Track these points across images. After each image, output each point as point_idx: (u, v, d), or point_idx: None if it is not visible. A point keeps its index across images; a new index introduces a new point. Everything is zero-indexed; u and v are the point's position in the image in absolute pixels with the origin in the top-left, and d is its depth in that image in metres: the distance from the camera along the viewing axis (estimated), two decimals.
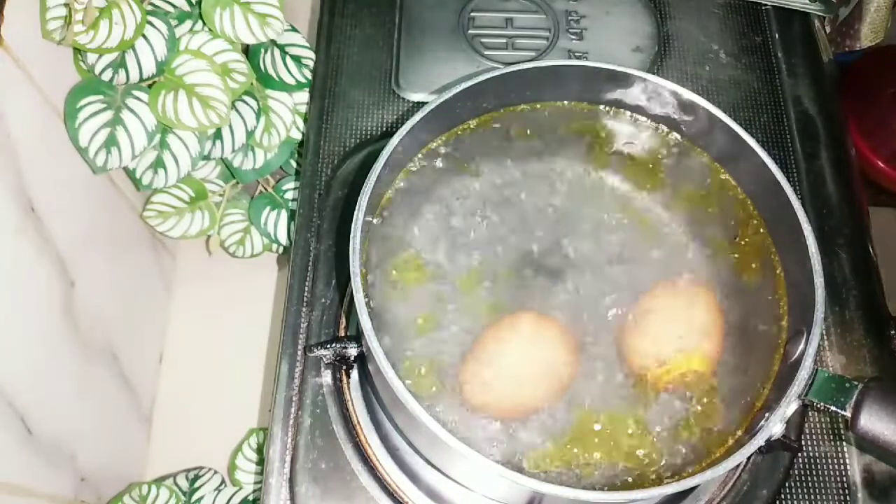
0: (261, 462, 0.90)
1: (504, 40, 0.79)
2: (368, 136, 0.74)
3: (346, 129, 0.74)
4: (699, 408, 0.52)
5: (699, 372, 0.52)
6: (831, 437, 0.63)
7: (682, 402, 0.52)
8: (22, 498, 0.68)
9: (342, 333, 0.65)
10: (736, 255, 0.57)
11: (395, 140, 0.54)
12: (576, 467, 0.49)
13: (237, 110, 0.81)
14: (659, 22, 0.82)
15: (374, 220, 0.56)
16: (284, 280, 0.72)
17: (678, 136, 0.61)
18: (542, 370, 0.52)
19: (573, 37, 0.80)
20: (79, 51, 0.73)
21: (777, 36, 0.82)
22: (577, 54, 0.79)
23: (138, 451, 0.95)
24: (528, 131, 0.61)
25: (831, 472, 0.61)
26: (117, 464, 0.89)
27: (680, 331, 0.53)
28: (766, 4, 0.84)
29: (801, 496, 0.60)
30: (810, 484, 0.61)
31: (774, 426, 0.46)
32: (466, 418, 0.50)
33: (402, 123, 0.55)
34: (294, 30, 0.86)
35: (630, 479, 0.49)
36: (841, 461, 0.62)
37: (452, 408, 0.51)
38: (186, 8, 0.77)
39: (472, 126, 0.60)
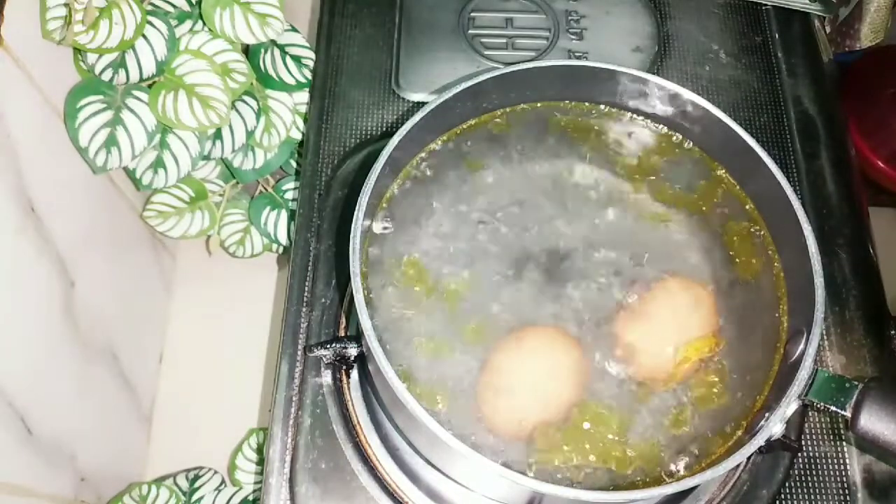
0: (261, 462, 0.90)
1: (504, 40, 0.79)
2: (368, 136, 0.74)
3: (346, 129, 0.74)
4: (700, 407, 0.52)
5: (700, 371, 0.52)
6: (831, 437, 0.63)
7: (683, 402, 0.52)
8: (22, 498, 0.68)
9: (342, 333, 0.65)
10: (736, 255, 0.57)
11: (395, 140, 0.54)
12: (576, 468, 0.49)
13: (237, 110, 0.81)
14: (659, 22, 0.82)
15: (374, 221, 0.56)
16: (284, 280, 0.72)
17: (678, 136, 0.61)
18: (551, 388, 0.51)
19: (573, 37, 0.80)
20: (79, 51, 0.73)
21: (777, 36, 0.82)
22: (577, 54, 0.79)
23: (138, 451, 0.95)
24: (528, 132, 0.61)
25: (831, 472, 0.61)
26: (117, 464, 0.89)
27: (680, 330, 0.54)
28: (766, 4, 0.84)
29: (801, 496, 0.60)
30: (810, 484, 0.61)
31: (774, 426, 0.46)
32: (471, 424, 0.50)
33: (402, 123, 0.55)
34: (294, 30, 0.86)
35: (629, 480, 0.49)
36: (841, 461, 0.62)
37: (457, 413, 0.51)
38: (186, 8, 0.77)
39: (472, 126, 0.60)
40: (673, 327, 0.54)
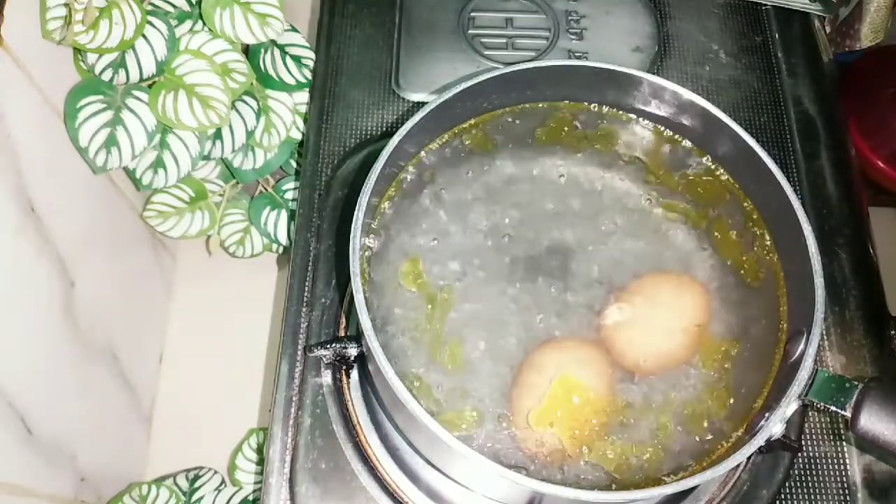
0: (261, 462, 0.90)
1: (504, 40, 0.79)
2: (368, 136, 0.74)
3: (346, 129, 0.74)
4: (701, 407, 0.52)
5: (702, 371, 0.53)
6: (831, 437, 0.63)
7: (685, 402, 0.52)
8: (22, 498, 0.68)
9: (342, 333, 0.65)
10: (736, 255, 0.57)
11: (396, 140, 0.54)
12: (575, 468, 0.50)
13: (237, 110, 0.81)
14: (659, 22, 0.82)
15: (375, 222, 0.56)
16: (284, 280, 0.72)
17: (678, 136, 0.61)
18: (581, 399, 0.51)
19: (573, 37, 0.80)
20: (79, 51, 0.72)
21: (777, 36, 0.82)
22: (577, 54, 0.79)
23: (138, 451, 0.95)
24: (528, 132, 0.61)
25: (831, 472, 0.61)
26: (117, 464, 0.89)
27: (683, 328, 0.54)
28: (766, 4, 0.84)
29: (801, 496, 0.60)
30: (810, 484, 0.61)
31: (774, 426, 0.46)
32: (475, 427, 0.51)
33: (402, 123, 0.55)
34: (294, 30, 0.86)
35: (629, 479, 0.49)
36: (841, 461, 0.62)
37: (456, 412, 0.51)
38: (186, 8, 0.77)
39: (472, 126, 0.60)
40: (675, 325, 0.54)
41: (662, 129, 0.61)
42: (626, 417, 0.51)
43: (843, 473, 0.61)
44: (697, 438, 0.51)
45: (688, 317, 0.54)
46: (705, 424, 0.51)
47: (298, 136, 0.87)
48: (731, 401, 0.52)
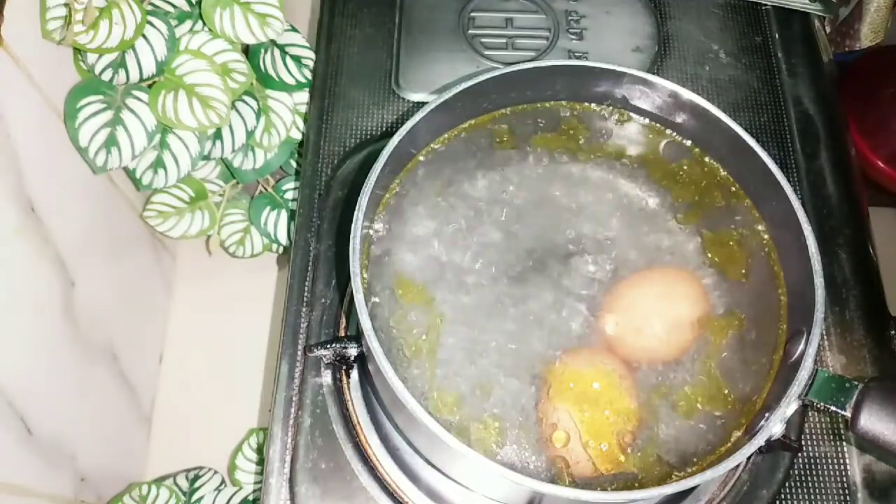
0: (261, 462, 0.90)
1: (504, 40, 0.79)
2: (368, 136, 0.74)
3: (346, 129, 0.74)
4: (700, 407, 0.52)
5: (701, 370, 0.53)
6: (831, 437, 0.63)
7: (683, 401, 0.52)
8: (22, 498, 0.68)
9: (342, 333, 0.65)
10: (736, 255, 0.57)
11: (395, 140, 0.54)
12: (574, 468, 0.50)
13: (237, 110, 0.81)
14: (659, 22, 0.82)
15: (375, 221, 0.56)
16: (284, 280, 0.72)
17: (678, 136, 0.61)
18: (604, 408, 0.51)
19: (573, 37, 0.80)
20: (79, 51, 0.73)
21: (777, 36, 0.82)
22: (577, 54, 0.79)
23: (138, 451, 0.95)
24: (529, 132, 0.61)
25: (831, 472, 0.61)
26: (117, 464, 0.89)
27: (679, 328, 0.54)
28: (766, 4, 0.84)
29: (801, 496, 0.60)
30: (810, 484, 0.61)
31: (774, 426, 0.46)
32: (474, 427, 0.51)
33: (402, 123, 0.55)
34: (294, 30, 0.86)
35: (628, 479, 0.49)
36: (841, 461, 0.62)
37: (461, 414, 0.51)
38: (186, 8, 0.77)
39: (472, 126, 0.60)
40: (674, 325, 0.54)
41: (662, 128, 0.61)
42: (626, 416, 0.51)
43: (843, 473, 0.61)
44: (697, 438, 0.51)
45: (687, 316, 0.54)
46: (705, 424, 0.51)
47: (298, 136, 0.87)
48: (731, 401, 0.52)
